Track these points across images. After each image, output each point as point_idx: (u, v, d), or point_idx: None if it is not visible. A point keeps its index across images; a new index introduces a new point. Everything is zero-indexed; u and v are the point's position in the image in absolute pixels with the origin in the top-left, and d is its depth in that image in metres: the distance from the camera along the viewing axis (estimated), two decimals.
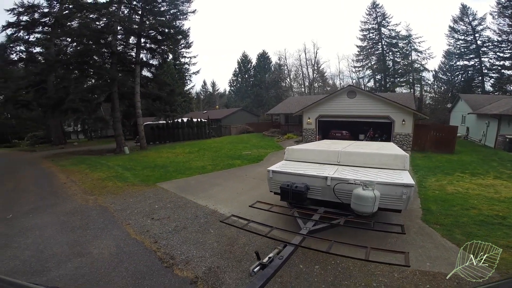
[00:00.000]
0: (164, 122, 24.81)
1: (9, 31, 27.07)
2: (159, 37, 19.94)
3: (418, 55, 39.26)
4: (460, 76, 38.07)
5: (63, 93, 16.48)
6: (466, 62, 36.91)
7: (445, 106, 35.08)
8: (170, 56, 33.16)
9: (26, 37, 27.60)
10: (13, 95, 27.67)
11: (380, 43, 41.87)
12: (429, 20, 64.99)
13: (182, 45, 26.27)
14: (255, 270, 2.25)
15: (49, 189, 8.11)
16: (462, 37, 36.87)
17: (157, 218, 5.27)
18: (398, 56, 40.74)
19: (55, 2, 26.68)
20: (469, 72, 36.80)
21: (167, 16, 20.46)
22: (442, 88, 39.50)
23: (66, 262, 3.69)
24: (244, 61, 53.68)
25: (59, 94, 16.76)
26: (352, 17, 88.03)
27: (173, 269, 3.49)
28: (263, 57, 51.54)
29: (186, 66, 33.32)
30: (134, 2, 19.24)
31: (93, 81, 20.20)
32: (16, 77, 38.02)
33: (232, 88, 57.14)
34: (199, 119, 27.51)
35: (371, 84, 45.01)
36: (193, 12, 21.86)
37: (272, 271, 2.29)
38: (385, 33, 41.44)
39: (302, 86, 51.84)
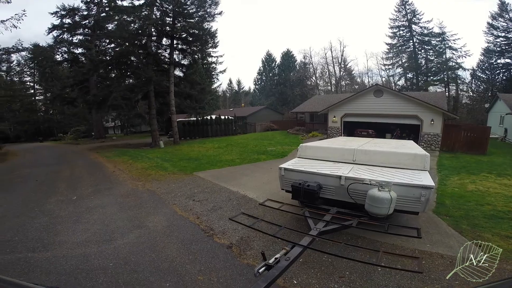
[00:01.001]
0: (194, 119, 26.25)
1: (54, 33, 29.60)
2: (190, 39, 21.06)
3: (453, 53, 37.15)
4: (501, 75, 35.49)
5: (107, 91, 18.26)
6: (508, 60, 34.34)
7: (483, 106, 33.00)
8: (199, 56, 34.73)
9: (70, 38, 30.17)
10: (60, 92, 30.67)
11: (411, 41, 40.16)
12: (464, 16, 61.08)
13: (210, 45, 27.43)
14: (260, 271, 2.20)
15: (101, 176, 9.44)
16: (503, 34, 34.31)
17: (198, 200, 6.15)
18: (431, 54, 38.80)
19: (92, 5, 28.91)
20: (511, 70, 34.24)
21: (196, 18, 21.49)
22: (481, 87, 37.06)
23: (128, 233, 4.57)
24: (268, 60, 54.23)
25: (104, 92, 18.58)
26: (380, 14, 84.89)
27: (213, 238, 4.26)
28: (288, 56, 51.70)
29: (213, 65, 34.63)
30: (165, 5, 20.36)
31: (131, 80, 22.03)
32: (62, 76, 41.92)
33: (256, 87, 58.03)
34: (226, 116, 28.67)
35: (401, 82, 43.42)
36: (220, 14, 22.62)
37: (277, 272, 2.22)
38: (417, 31, 39.66)
39: (329, 84, 51.29)
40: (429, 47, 38.58)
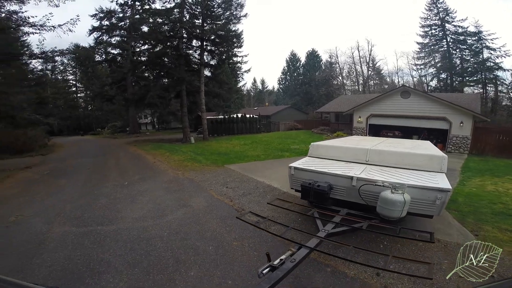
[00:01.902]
0: (221, 117, 27.50)
1: (94, 34, 31.70)
2: (217, 40, 22.07)
3: (491, 53, 34.80)
4: None
5: (144, 90, 19.93)
6: None
7: None
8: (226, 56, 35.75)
9: (108, 40, 32.14)
10: (100, 90, 33.40)
11: (444, 40, 38.28)
12: (503, 16, 56.52)
13: (235, 45, 28.23)
14: (264, 272, 2.15)
15: (144, 166, 10.69)
16: None
17: (230, 187, 7.04)
18: (466, 53, 36.74)
19: (127, 8, 30.77)
20: None
21: (223, 20, 22.33)
22: None
23: (176, 211, 5.48)
24: (293, 59, 54.41)
25: (142, 91, 20.29)
26: (409, 13, 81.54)
27: (244, 214, 5.10)
28: (313, 55, 51.56)
29: (238, 64, 35.65)
30: (194, 7, 21.56)
31: (165, 80, 23.65)
32: (101, 75, 45.31)
33: (281, 86, 58.44)
34: (251, 115, 29.60)
35: (434, 83, 41.59)
36: (245, 16, 23.36)
37: (282, 274, 2.19)
38: (450, 29, 37.69)
39: (356, 84, 50.40)
40: (465, 47, 36.55)
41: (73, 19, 20.45)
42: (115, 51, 32.81)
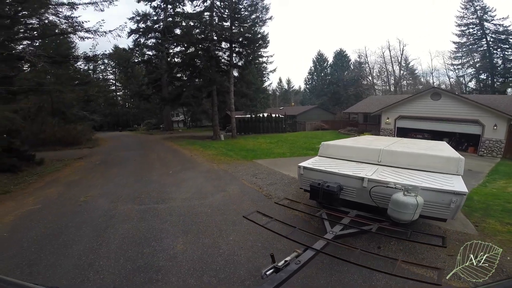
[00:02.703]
0: (248, 116, 28.56)
1: (132, 37, 33.36)
2: (244, 42, 22.99)
3: None
4: None
5: (180, 90, 21.54)
6: None
7: None
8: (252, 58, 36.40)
9: (145, 42, 33.83)
10: (138, 90, 35.96)
11: (484, 39, 35.97)
12: None
13: (261, 46, 28.64)
14: (268, 273, 2.13)
15: (183, 159, 11.95)
16: None
17: (259, 178, 7.94)
18: (509, 53, 34.28)
19: (160, 10, 32.30)
20: None
21: (249, 23, 23.14)
22: None
23: (215, 194, 6.43)
24: (320, 59, 54.04)
25: (177, 91, 21.94)
26: (443, 11, 76.76)
27: (271, 199, 5.90)
28: (341, 55, 50.86)
29: (264, 64, 36.37)
30: (222, 10, 22.65)
31: (197, 80, 25.16)
32: (138, 75, 48.52)
33: (307, 86, 58.28)
34: (277, 115, 30.30)
35: (473, 84, 39.25)
36: (270, 18, 24.11)
37: (285, 276, 2.15)
38: (490, 28, 35.40)
39: (387, 84, 48.91)
40: (507, 46, 34.12)
41: (122, 25, 22.61)
42: (150, 53, 34.73)
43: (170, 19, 30.98)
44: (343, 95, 47.62)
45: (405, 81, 47.75)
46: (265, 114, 29.96)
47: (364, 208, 4.03)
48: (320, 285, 3.05)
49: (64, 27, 14.80)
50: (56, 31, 14.78)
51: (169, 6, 31.65)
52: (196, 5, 22.90)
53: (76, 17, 15.23)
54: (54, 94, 20.59)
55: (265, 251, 3.71)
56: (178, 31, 26.27)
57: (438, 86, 44.22)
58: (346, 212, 3.93)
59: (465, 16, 37.90)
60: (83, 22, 16.37)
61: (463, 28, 38.43)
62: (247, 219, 3.50)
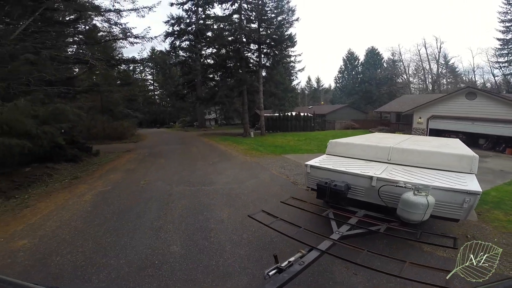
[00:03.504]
0: (276, 114, 29.44)
1: (168, 39, 35.13)
2: (272, 43, 23.77)
3: None
4: None
5: (214, 90, 23.12)
6: None
7: None
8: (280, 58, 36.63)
9: (180, 44, 35.80)
10: (175, 89, 38.47)
11: None
12: None
13: (288, 46, 28.81)
14: (271, 273, 2.10)
15: (219, 152, 13.31)
16: None
17: (287, 169, 8.94)
18: None
19: (191, 13, 34.24)
20: None
21: (276, 24, 23.97)
22: None
23: (250, 180, 7.56)
24: (350, 58, 52.97)
25: (212, 91, 23.57)
26: (484, 7, 70.44)
27: (297, 185, 6.85)
28: (373, 53, 49.45)
29: (292, 64, 36.69)
30: (249, 12, 23.75)
31: (228, 80, 26.57)
32: (174, 76, 51.52)
33: (337, 85, 57.41)
34: (305, 114, 30.77)
35: None
36: (297, 20, 24.86)
37: (288, 277, 2.13)
38: None
39: (424, 82, 46.67)
40: None
41: (164, 31, 24.69)
42: (185, 54, 36.76)
43: (202, 21, 32.88)
44: (375, 93, 46.40)
45: (444, 80, 45.18)
46: (293, 113, 30.55)
47: (372, 208, 3.93)
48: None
49: (117, 33, 16.84)
50: (107, 37, 16.87)
51: (200, 9, 33.57)
52: (225, 8, 24.12)
53: (125, 24, 17.22)
54: (104, 93, 23.20)
55: (289, 219, 3.79)
56: (209, 33, 27.74)
57: (483, 84, 41.31)
58: (354, 212, 3.85)
59: (509, 11, 35.21)
60: (131, 29, 18.46)
61: (507, 24, 35.66)
62: (252, 218, 3.50)
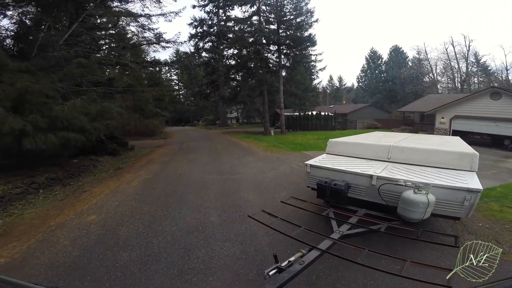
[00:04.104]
0: (297, 114, 30.04)
1: (192, 41, 36.20)
2: (291, 44, 24.37)
3: None
4: None
5: (236, 90, 24.27)
6: None
7: None
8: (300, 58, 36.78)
9: (203, 45, 36.58)
10: (199, 89, 40.15)
11: None
12: None
13: (308, 46, 28.89)
14: (270, 273, 2.10)
15: (242, 148, 14.43)
16: None
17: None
18: None
19: (212, 15, 35.19)
20: None
21: (295, 25, 24.36)
22: None
23: (271, 171, 8.54)
24: (373, 57, 52.06)
25: (234, 91, 24.74)
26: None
27: None
28: (397, 52, 48.35)
29: (313, 63, 36.78)
30: (268, 14, 24.49)
31: (250, 80, 27.54)
32: (198, 76, 53.41)
33: (360, 84, 56.60)
34: (326, 113, 31.05)
35: None
36: (316, 21, 25.19)
37: (288, 277, 2.14)
38: None
39: (453, 81, 44.79)
40: None
41: (191, 36, 26.13)
42: (208, 55, 37.64)
43: (223, 23, 33.98)
44: (399, 93, 45.40)
45: (476, 79, 43.10)
46: (314, 112, 30.94)
47: (373, 207, 3.94)
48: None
49: (150, 37, 18.36)
50: (143, 42, 18.38)
51: (221, 11, 34.62)
52: (245, 11, 25.17)
53: (156, 29, 18.64)
54: (137, 93, 25.10)
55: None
56: (230, 35, 28.78)
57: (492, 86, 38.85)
58: (354, 211, 3.86)
59: None
60: (163, 34, 19.96)
61: None
62: (252, 219, 3.53)
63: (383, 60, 51.25)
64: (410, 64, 47.67)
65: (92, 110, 10.22)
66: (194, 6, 34.02)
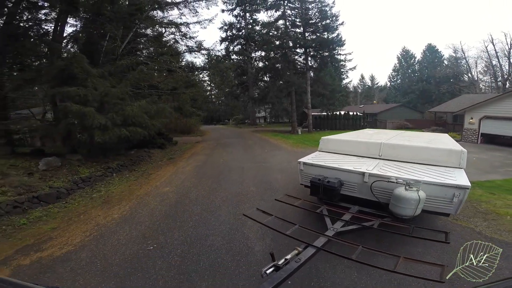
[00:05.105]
0: (325, 113, 31.07)
1: (223, 44, 39.07)
2: (318, 46, 25.41)
3: None
4: None
5: (265, 91, 26.12)
6: None
7: None
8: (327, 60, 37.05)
9: (233, 48, 39.57)
10: (230, 90, 42.64)
11: None
12: None
13: (335, 47, 29.08)
14: (268, 272, 2.12)
15: (271, 144, 16.41)
16: None
17: None
18: None
19: (240, 18, 37.57)
20: None
21: (321, 28, 25.40)
22: None
23: (294, 161, 9.92)
24: (405, 56, 50.77)
25: (264, 92, 26.63)
26: None
27: None
28: (431, 51, 46.66)
29: (342, 63, 36.89)
30: (293, 18, 25.73)
31: (277, 81, 29.08)
32: (229, 77, 55.94)
33: (392, 84, 55.36)
34: (354, 113, 31.62)
35: None
36: (342, 24, 26.01)
37: (285, 275, 2.16)
38: None
39: (495, 81, 42.19)
40: None
41: (224, 41, 28.40)
42: (237, 57, 40.33)
43: (250, 26, 36.10)
44: (434, 92, 43.92)
45: None
46: (342, 112, 31.62)
47: (366, 204, 4.01)
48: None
49: (192, 46, 20.75)
50: (185, 49, 20.84)
51: (247, 14, 36.90)
52: (270, 15, 26.70)
53: (195, 37, 20.85)
54: (179, 95, 27.99)
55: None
56: (258, 37, 30.33)
57: None
58: (347, 208, 3.93)
59: None
60: (202, 41, 22.31)
61: None
62: (247, 217, 3.59)
63: (416, 59, 49.77)
64: (446, 63, 45.81)
65: (152, 110, 12.64)
66: (223, 11, 36.59)
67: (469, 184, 3.35)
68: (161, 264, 3.62)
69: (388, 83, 58.60)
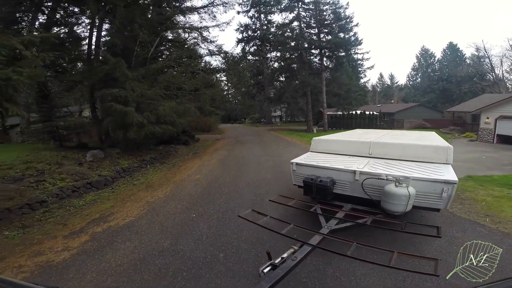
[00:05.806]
0: (340, 113, 31.59)
1: (239, 46, 40.30)
2: (333, 47, 25.84)
3: None
4: None
5: (282, 91, 27.14)
6: None
7: None
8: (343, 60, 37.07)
9: (249, 49, 40.71)
10: (247, 90, 43.85)
11: None
12: None
13: (350, 49, 29.10)
14: (265, 271, 2.15)
15: (286, 141, 17.54)
16: None
17: None
18: None
19: (255, 19, 38.56)
20: None
21: (336, 29, 25.96)
22: None
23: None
24: (424, 55, 49.93)
25: (280, 92, 27.68)
26: None
27: None
28: (452, 49, 45.59)
29: (359, 62, 36.89)
30: (308, 19, 26.42)
31: (293, 81, 29.88)
32: (245, 77, 56.88)
33: (411, 83, 54.48)
34: (371, 112, 31.80)
35: None
36: (357, 25, 26.44)
37: (283, 273, 2.19)
38: None
39: None
40: None
41: (240, 42, 29.55)
42: (253, 58, 41.36)
43: (265, 27, 36.95)
44: (455, 92, 42.98)
45: None
46: (358, 111, 31.82)
47: (358, 202, 4.10)
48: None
49: (213, 49, 22.10)
50: (206, 52, 22.22)
51: (262, 16, 37.83)
52: (285, 17, 27.56)
53: (215, 41, 22.03)
54: (200, 95, 29.58)
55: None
56: (273, 38, 31.12)
57: None
58: (340, 206, 4.01)
59: None
60: (222, 45, 23.59)
61: None
62: (242, 218, 3.63)
63: (436, 58, 48.79)
64: (468, 62, 44.61)
65: (180, 109, 14.06)
66: (238, 12, 37.80)
67: (456, 179, 3.48)
68: (202, 225, 4.88)
69: (407, 82, 57.72)
